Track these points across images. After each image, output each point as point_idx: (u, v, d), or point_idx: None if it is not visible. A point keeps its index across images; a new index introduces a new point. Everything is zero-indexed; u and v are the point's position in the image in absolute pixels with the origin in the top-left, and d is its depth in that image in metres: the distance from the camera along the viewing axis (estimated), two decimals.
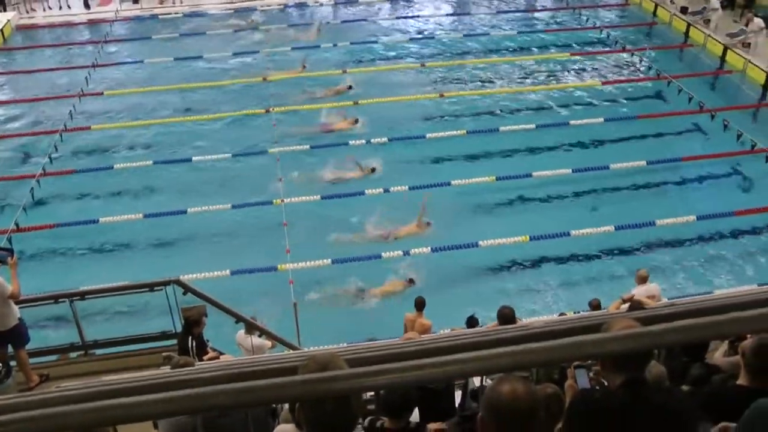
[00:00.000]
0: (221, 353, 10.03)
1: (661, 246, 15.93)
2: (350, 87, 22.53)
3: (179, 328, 10.24)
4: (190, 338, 9.51)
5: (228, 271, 14.75)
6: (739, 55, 24.53)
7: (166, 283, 10.39)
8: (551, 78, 23.86)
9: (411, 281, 14.49)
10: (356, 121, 20.44)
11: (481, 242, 15.37)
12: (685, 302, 6.19)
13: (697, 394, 4.44)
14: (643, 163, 18.33)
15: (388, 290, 14.44)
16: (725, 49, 25.17)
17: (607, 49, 26.14)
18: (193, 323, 9.52)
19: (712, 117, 20.24)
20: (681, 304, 5.70)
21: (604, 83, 23.38)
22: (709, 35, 26.15)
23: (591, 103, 22.15)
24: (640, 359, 3.37)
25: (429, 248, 15.41)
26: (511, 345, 2.08)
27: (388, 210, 16.62)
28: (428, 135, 19.81)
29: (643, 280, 11.93)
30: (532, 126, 20.25)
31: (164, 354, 9.57)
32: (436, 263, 15.11)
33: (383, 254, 15.20)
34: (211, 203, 16.92)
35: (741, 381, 4.26)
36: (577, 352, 2.17)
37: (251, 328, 10.52)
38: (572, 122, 20.57)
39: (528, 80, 23.67)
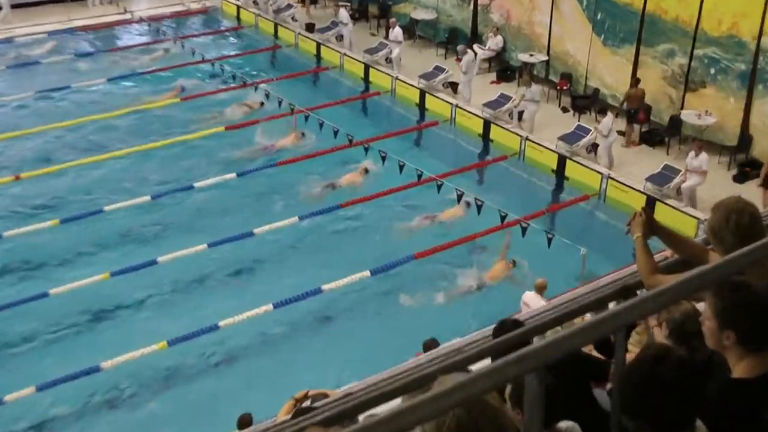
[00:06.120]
0: None
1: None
2: (262, 104, 25.22)
3: None
4: None
5: None
6: (384, 73, 26.43)
7: None
8: (165, 130, 23.82)
9: None
10: (303, 135, 23.17)
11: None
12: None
13: None
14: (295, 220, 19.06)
15: None
16: (367, 68, 26.99)
17: (224, 86, 26.66)
18: None
19: (366, 151, 21.34)
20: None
21: (228, 128, 23.79)
22: (345, 54, 27.90)
23: (218, 152, 22.63)
24: None
25: None
26: None
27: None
28: None
29: (540, 289, 14.20)
30: (146, 200, 20.14)
31: None
32: None
33: None
34: None
35: None
36: None
37: None
38: (197, 184, 20.71)
39: (141, 138, 23.30)
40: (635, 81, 21.75)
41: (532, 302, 13.53)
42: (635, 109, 21.66)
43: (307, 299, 16.39)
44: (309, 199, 20.42)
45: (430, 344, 12.78)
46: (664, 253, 5.81)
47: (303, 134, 23.21)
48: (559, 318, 5.57)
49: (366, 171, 21.12)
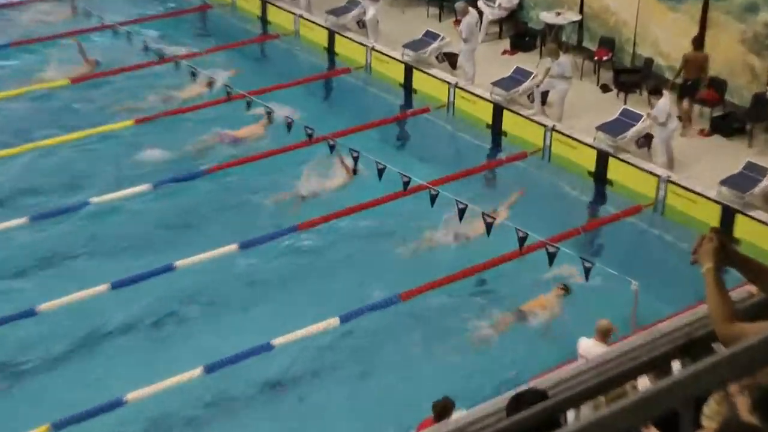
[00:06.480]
0: None
1: None
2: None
3: None
4: None
5: None
6: (356, 42, 26.50)
7: None
8: (52, 123, 23.92)
9: None
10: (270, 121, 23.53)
11: None
12: None
13: None
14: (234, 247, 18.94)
15: None
16: (332, 34, 27.14)
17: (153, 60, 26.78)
18: None
19: (331, 149, 21.37)
20: None
21: (138, 122, 23.91)
22: (301, 16, 28.02)
23: (128, 154, 22.88)
24: None
25: None
26: None
27: None
28: None
29: (603, 335, 14.60)
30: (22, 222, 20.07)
31: None
32: None
33: None
34: None
35: None
36: None
37: None
38: (95, 199, 20.74)
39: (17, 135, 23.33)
40: (697, 41, 21.79)
41: (593, 352, 13.42)
42: (695, 81, 21.68)
43: (251, 358, 16.21)
44: (262, 214, 20.65)
45: (445, 406, 12.73)
46: (747, 288, 5.71)
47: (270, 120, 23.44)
48: (601, 385, 5.45)
49: (355, 173, 21.19)
